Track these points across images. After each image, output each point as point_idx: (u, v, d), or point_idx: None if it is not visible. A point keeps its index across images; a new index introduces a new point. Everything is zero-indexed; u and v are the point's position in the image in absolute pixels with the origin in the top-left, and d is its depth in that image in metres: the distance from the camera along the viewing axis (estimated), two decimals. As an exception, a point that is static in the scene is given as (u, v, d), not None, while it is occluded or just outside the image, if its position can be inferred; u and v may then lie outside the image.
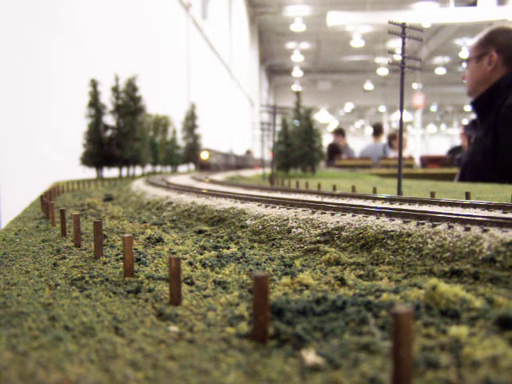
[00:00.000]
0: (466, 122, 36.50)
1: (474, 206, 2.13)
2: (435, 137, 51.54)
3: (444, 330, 0.96)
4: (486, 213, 1.90)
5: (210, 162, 9.49)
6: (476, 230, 1.53)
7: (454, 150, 14.36)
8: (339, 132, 17.76)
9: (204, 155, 9.35)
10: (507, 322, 0.96)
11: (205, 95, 15.05)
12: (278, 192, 3.33)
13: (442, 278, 1.38)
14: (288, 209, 2.29)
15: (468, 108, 29.83)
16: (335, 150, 16.22)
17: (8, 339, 0.94)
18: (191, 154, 10.50)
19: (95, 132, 6.87)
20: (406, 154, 16.05)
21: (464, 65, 7.18)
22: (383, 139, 16.61)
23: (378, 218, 1.86)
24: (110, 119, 7.09)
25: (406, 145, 17.22)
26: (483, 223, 1.59)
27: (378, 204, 2.38)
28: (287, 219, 2.11)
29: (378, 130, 16.69)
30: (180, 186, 3.97)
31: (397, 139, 15.01)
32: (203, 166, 9.40)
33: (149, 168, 9.14)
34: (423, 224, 1.69)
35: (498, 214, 1.86)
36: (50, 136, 6.37)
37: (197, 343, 0.94)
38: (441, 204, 2.28)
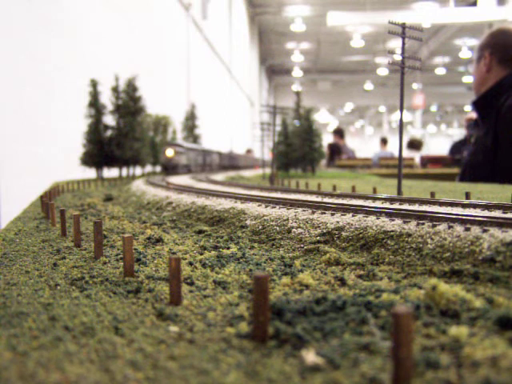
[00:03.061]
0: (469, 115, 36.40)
1: (474, 206, 2.13)
2: (435, 137, 51.52)
3: (444, 330, 0.96)
4: (486, 213, 1.90)
5: (178, 161, 7.22)
6: (476, 230, 1.53)
7: (458, 145, 12.89)
8: (337, 132, 17.96)
9: (169, 152, 7.11)
10: (507, 322, 0.96)
11: (205, 95, 15.04)
12: (278, 192, 3.33)
13: (442, 278, 1.38)
14: (288, 209, 2.29)
15: (468, 108, 29.82)
16: (336, 150, 16.31)
17: (8, 339, 0.94)
18: None
19: (95, 132, 6.86)
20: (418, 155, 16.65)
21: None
22: (388, 147, 17.97)
23: (378, 218, 1.86)
24: (110, 119, 7.09)
25: (420, 149, 18.54)
26: (483, 223, 1.59)
27: (378, 204, 2.38)
28: (287, 219, 2.11)
29: (385, 141, 18.20)
30: (180, 186, 3.97)
31: (416, 143, 16.13)
32: (168, 167, 7.14)
33: (149, 168, 9.12)
34: (423, 224, 1.69)
35: (498, 214, 1.86)
36: (50, 136, 6.36)
37: (197, 343, 0.93)
38: (441, 204, 2.28)
